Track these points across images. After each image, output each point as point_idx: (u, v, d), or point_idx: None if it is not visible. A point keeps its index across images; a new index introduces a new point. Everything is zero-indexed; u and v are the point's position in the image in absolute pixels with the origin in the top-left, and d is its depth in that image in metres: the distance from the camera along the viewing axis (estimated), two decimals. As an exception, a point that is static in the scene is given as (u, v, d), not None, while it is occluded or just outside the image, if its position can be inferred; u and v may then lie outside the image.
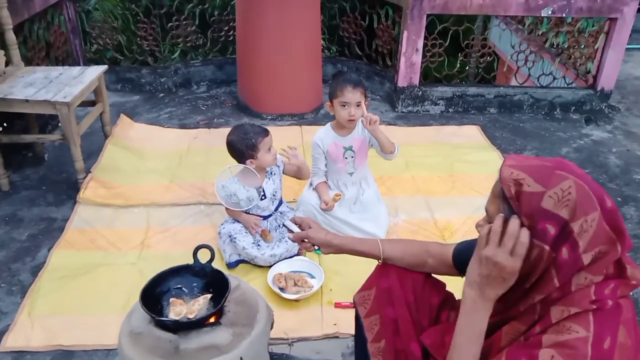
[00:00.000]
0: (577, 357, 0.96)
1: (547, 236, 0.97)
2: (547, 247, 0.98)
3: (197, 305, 1.63)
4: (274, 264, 2.42)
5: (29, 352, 1.99)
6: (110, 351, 1.98)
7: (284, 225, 1.73)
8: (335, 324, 2.14)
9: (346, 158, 2.62)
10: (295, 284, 2.32)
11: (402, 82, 4.09)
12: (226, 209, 2.48)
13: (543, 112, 4.23)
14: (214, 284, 1.69)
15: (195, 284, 1.72)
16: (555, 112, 4.23)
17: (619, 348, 0.97)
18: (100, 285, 2.31)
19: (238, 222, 2.50)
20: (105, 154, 3.25)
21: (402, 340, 1.40)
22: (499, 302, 1.11)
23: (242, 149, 2.37)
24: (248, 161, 2.39)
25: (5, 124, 3.13)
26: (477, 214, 2.83)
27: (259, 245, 2.45)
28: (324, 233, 1.60)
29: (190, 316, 1.60)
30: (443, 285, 1.53)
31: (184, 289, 1.73)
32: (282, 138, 3.64)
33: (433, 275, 1.53)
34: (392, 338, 1.44)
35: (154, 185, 3.06)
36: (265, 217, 2.52)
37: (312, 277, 2.38)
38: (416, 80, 4.09)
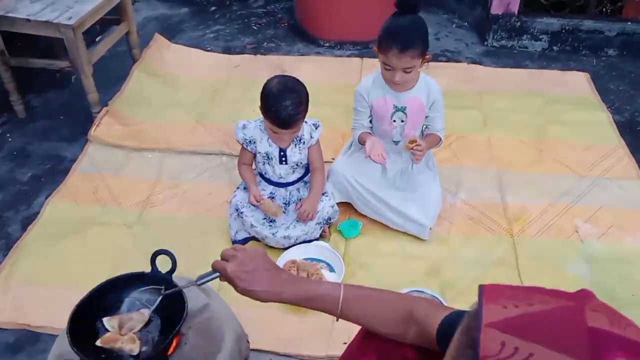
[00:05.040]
0: None
1: None
2: None
3: (130, 324, 1.26)
4: (289, 247, 1.99)
5: (-5, 327, 1.77)
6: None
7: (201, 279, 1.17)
8: (345, 343, 1.70)
9: (394, 121, 2.03)
10: (309, 277, 1.88)
11: (496, 8, 3.28)
12: (238, 162, 2.06)
13: (682, 58, 3.26)
14: (173, 302, 1.30)
15: (148, 300, 1.34)
16: (700, 59, 3.25)
17: None
18: (87, 250, 2.02)
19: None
20: (131, 82, 2.87)
21: None
22: None
23: (264, 108, 1.87)
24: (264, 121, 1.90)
25: (28, 45, 2.81)
26: (563, 201, 2.23)
27: (271, 222, 2.01)
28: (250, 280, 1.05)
29: (133, 351, 1.23)
30: None
31: (137, 302, 1.36)
32: (339, 73, 3.10)
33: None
34: None
35: (177, 124, 2.66)
36: (284, 185, 2.05)
37: (331, 269, 1.94)
38: (515, 7, 3.26)
